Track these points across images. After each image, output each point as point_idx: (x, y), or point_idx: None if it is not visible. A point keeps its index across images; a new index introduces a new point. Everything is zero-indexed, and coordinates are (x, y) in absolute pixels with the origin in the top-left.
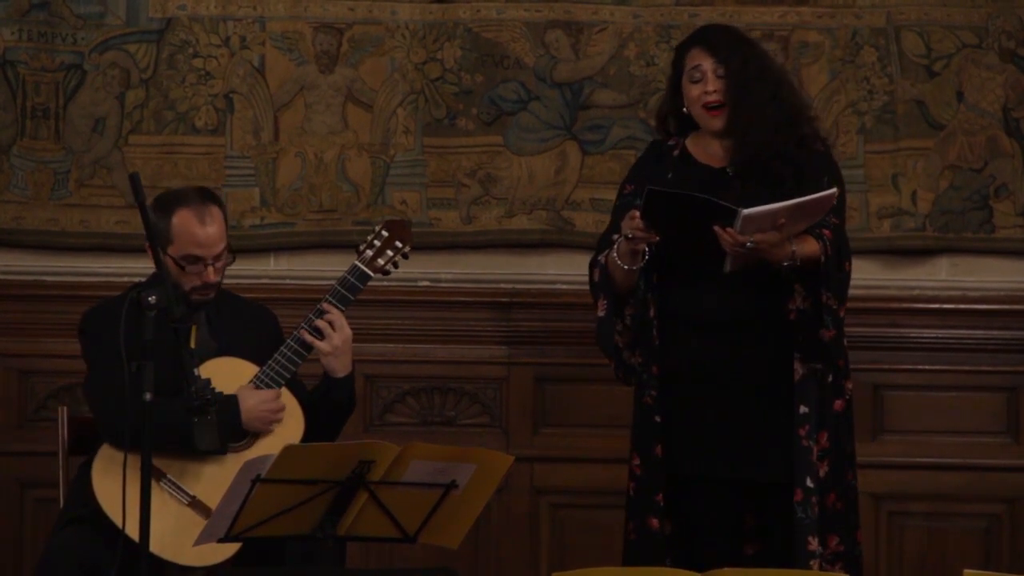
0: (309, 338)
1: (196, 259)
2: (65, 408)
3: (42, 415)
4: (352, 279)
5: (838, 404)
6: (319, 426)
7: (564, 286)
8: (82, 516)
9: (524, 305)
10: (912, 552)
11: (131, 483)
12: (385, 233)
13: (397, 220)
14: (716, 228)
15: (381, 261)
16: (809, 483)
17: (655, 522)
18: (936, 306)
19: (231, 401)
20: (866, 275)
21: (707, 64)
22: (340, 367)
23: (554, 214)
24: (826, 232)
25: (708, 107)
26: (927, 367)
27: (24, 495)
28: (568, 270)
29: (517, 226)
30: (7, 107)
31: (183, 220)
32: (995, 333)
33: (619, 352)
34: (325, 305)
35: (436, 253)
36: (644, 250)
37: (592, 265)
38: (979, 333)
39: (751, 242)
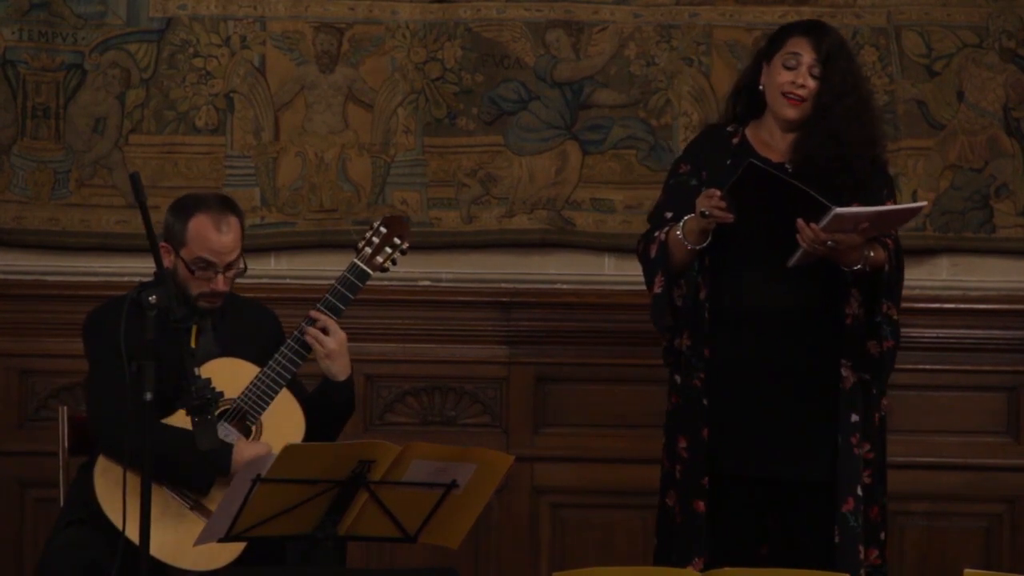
0: (308, 339)
1: (207, 264)
2: (65, 408)
3: (42, 415)
4: (352, 278)
5: (877, 418)
6: (318, 428)
7: (564, 286)
8: (83, 518)
9: (524, 305)
10: (912, 552)
11: (132, 486)
12: (384, 229)
13: (395, 216)
14: (799, 222)
15: (380, 259)
16: (859, 492)
17: (701, 505)
18: (936, 306)
19: (225, 450)
20: None
21: (807, 58)
22: (339, 370)
23: (554, 214)
24: (889, 242)
25: (787, 95)
26: (927, 367)
27: (24, 495)
28: (568, 270)
29: (517, 226)
30: (7, 107)
31: (200, 225)
32: (995, 333)
33: (669, 331)
34: (314, 313)
35: (436, 253)
36: (710, 231)
37: (646, 241)
38: (979, 333)
39: (832, 241)
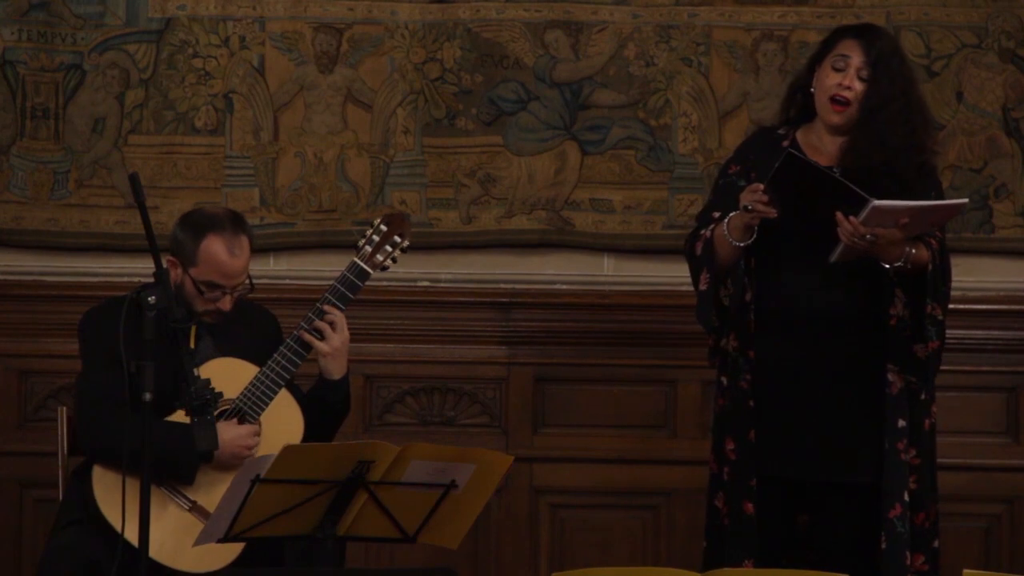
0: (308, 338)
1: (216, 287)
2: (65, 408)
3: (42, 415)
4: (352, 277)
5: (927, 423)
6: (314, 428)
7: (564, 286)
8: (81, 518)
9: (524, 305)
10: None
11: (131, 487)
12: (384, 227)
13: (397, 213)
14: (839, 214)
15: (380, 257)
16: (906, 497)
17: (750, 506)
18: None
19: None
20: None
21: (856, 60)
22: (336, 369)
23: (554, 214)
24: (933, 242)
25: (834, 99)
26: None
27: (24, 495)
28: (568, 270)
29: (517, 226)
30: (7, 107)
31: (212, 247)
32: (995, 333)
33: (716, 331)
34: (326, 306)
35: (436, 253)
36: (755, 227)
37: (693, 239)
38: (979, 333)
39: (871, 235)
